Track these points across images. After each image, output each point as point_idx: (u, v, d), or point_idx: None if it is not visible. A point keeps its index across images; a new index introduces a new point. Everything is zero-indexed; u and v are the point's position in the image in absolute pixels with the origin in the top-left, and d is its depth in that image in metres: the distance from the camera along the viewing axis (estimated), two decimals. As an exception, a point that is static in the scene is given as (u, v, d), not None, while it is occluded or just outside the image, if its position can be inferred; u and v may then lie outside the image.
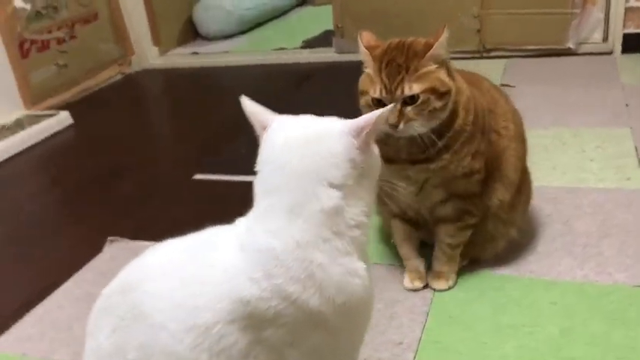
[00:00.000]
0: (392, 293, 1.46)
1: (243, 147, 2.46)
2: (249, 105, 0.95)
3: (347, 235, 0.87)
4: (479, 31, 3.16)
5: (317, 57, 3.51)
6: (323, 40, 3.70)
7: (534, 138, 2.16)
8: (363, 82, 1.30)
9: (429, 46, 1.24)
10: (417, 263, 1.48)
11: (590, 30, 3.10)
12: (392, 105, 1.19)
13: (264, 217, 0.88)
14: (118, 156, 2.63)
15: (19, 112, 3.05)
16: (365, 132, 0.87)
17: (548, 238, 1.60)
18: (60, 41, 3.32)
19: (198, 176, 2.26)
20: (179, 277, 0.89)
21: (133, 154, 2.63)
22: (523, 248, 1.56)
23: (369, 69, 1.28)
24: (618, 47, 3.00)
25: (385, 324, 1.37)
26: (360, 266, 0.88)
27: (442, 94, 1.24)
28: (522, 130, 1.51)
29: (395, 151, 1.30)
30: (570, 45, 3.06)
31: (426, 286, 1.47)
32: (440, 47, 1.23)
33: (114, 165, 2.52)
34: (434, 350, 1.27)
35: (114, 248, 1.81)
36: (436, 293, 1.44)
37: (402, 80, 1.23)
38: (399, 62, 1.24)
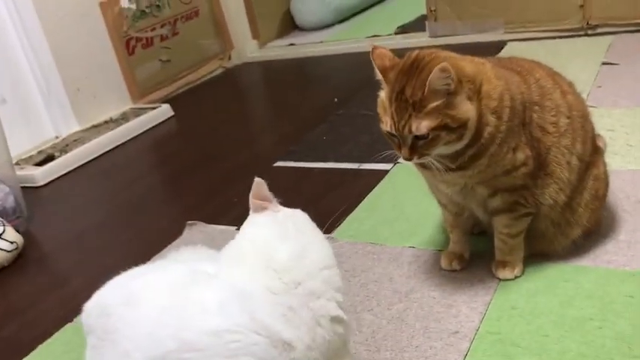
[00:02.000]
0: (453, 281, 1.41)
1: (325, 134, 2.48)
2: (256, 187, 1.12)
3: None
4: (582, 6, 2.95)
5: (411, 42, 3.43)
6: (418, 25, 3.62)
7: (633, 118, 2.01)
8: (379, 107, 1.24)
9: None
10: (459, 247, 1.44)
11: None
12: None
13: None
14: (211, 145, 2.74)
15: (126, 106, 3.26)
16: None
17: (632, 226, 1.47)
18: (163, 38, 3.50)
19: (279, 163, 2.30)
20: (152, 308, 0.95)
21: (225, 143, 2.73)
22: (602, 236, 1.44)
23: (383, 93, 1.22)
24: None
25: (442, 312, 1.32)
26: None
27: (455, 128, 1.15)
28: (580, 125, 1.34)
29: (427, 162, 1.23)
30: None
31: (464, 268, 1.44)
32: (436, 83, 1.12)
33: (206, 153, 2.64)
34: (490, 342, 1.21)
35: (193, 231, 1.89)
36: (500, 283, 1.37)
37: (410, 118, 1.15)
38: (406, 95, 1.15)
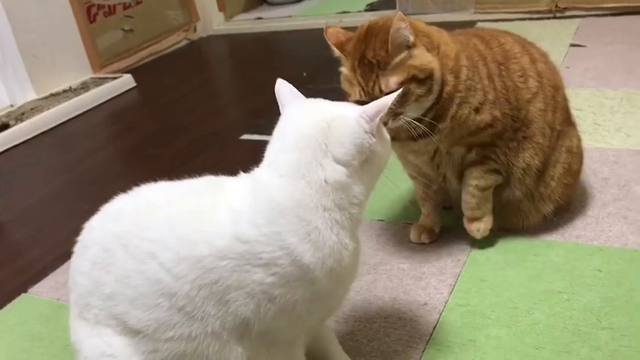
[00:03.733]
0: (422, 254, 1.39)
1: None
2: (280, 85, 1.00)
3: (347, 210, 0.91)
4: (551, -11, 2.96)
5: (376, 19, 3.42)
6: (388, 2, 3.59)
7: (600, 98, 2.02)
8: (343, 84, 1.22)
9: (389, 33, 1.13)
10: (430, 220, 1.43)
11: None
12: (399, 91, 1.06)
13: (273, 170, 0.91)
14: (175, 117, 2.67)
15: (87, 75, 3.15)
16: (378, 118, 0.90)
17: (600, 202, 1.47)
18: (126, 6, 3.39)
19: (246, 136, 2.24)
20: (179, 213, 0.90)
21: (189, 115, 2.66)
22: (571, 212, 1.44)
23: (345, 68, 1.21)
24: None
25: (411, 284, 1.30)
26: (350, 243, 0.91)
27: (424, 80, 1.15)
28: (551, 94, 1.34)
29: (394, 132, 1.20)
30: (654, 2, 2.81)
31: (434, 241, 1.43)
32: (397, 35, 1.12)
33: (169, 125, 2.57)
34: (460, 313, 1.20)
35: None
36: (470, 256, 1.36)
37: (377, 77, 1.15)
38: (369, 58, 1.15)
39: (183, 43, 3.73)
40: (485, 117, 1.24)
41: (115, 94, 2.99)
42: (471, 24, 3.07)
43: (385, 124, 1.15)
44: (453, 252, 1.39)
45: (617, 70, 2.24)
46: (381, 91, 1.16)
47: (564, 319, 1.14)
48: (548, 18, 3.00)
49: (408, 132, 1.20)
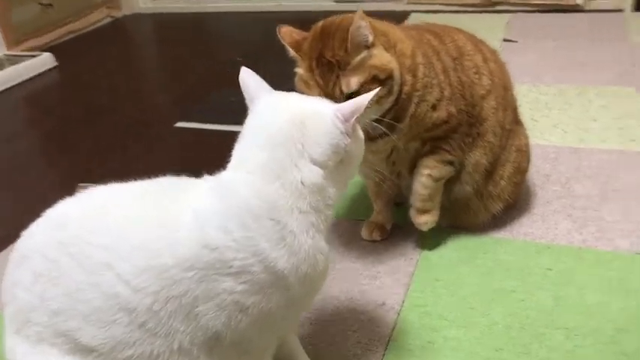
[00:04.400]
0: (376, 253, 1.37)
1: (233, 95, 2.34)
2: (245, 75, 0.93)
3: (323, 212, 0.87)
4: (483, -17, 3.01)
5: (315, 5, 3.37)
6: (323, -12, 3.54)
7: (535, 94, 2.07)
8: (299, 85, 1.18)
9: (348, 32, 1.10)
10: (382, 217, 1.41)
11: (600, -15, 2.95)
12: (377, 89, 1.02)
13: (244, 171, 0.85)
14: (101, 100, 2.52)
15: (0, 52, 2.91)
16: (353, 118, 0.86)
17: (544, 199, 1.50)
18: (44, -21, 3.16)
19: (181, 124, 2.14)
20: (136, 217, 0.82)
21: (116, 98, 2.51)
22: (518, 210, 1.46)
23: (301, 69, 1.17)
24: (629, 4, 2.85)
25: (366, 284, 1.28)
26: (325, 246, 0.88)
27: (384, 80, 1.13)
28: (502, 94, 1.34)
29: None
30: (578, 1, 2.92)
31: (385, 239, 1.41)
32: (357, 34, 1.10)
33: (95, 109, 2.42)
34: (418, 314, 1.19)
35: (86, 196, 1.71)
36: (422, 254, 1.35)
37: (338, 78, 1.11)
38: (328, 58, 1.11)
39: (107, 20, 3.54)
40: (441, 114, 1.23)
41: (33, 74, 2.79)
42: (404, 15, 3.09)
43: None
44: (405, 250, 1.37)
45: (550, 66, 2.31)
46: (341, 92, 1.12)
47: (520, 319, 1.15)
48: (480, 12, 3.06)
49: (367, 133, 1.16)
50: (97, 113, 2.36)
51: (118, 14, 3.60)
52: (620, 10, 2.88)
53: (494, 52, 1.40)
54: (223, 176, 0.87)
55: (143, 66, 3.09)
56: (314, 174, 0.85)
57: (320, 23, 1.19)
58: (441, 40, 1.32)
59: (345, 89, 1.11)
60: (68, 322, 0.80)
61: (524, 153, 1.40)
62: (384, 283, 1.28)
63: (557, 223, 1.41)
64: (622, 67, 2.24)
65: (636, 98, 1.98)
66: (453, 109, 1.25)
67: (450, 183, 1.33)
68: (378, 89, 1.01)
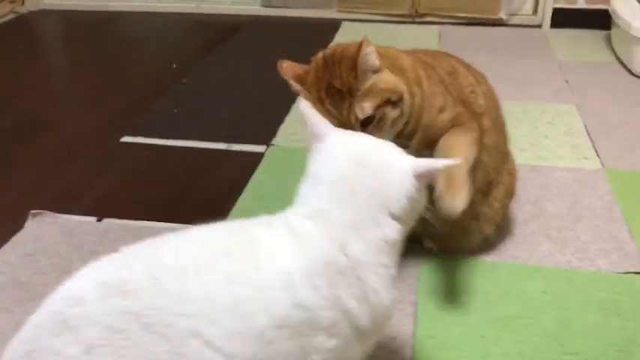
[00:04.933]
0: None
1: (174, 106, 2.22)
2: (307, 109, 0.93)
3: (395, 262, 0.88)
4: (413, -6, 3.07)
5: (241, 9, 3.28)
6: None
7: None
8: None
9: (354, 58, 1.10)
10: None
11: (521, 1, 3.10)
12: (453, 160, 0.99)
13: (326, 224, 0.82)
14: (25, 113, 2.28)
15: None
16: (428, 176, 0.88)
17: (521, 220, 1.55)
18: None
19: (127, 139, 2.00)
20: (215, 278, 0.76)
21: (43, 110, 2.30)
22: (499, 231, 1.49)
23: (309, 102, 1.12)
24: (547, 21, 3.02)
25: (373, 316, 1.25)
26: (396, 293, 0.90)
27: (396, 102, 1.13)
28: (494, 116, 1.38)
29: None
30: (502, 15, 3.05)
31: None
32: (365, 60, 1.10)
33: (21, 124, 2.18)
34: (432, 347, 1.18)
35: (39, 223, 1.55)
36: (421, 281, 1.35)
37: (351, 105, 1.10)
38: (337, 87, 1.10)
39: (11, 17, 3.23)
40: (448, 114, 1.24)
41: None
42: (334, 22, 3.08)
43: None
44: (402, 276, 1.35)
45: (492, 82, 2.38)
46: (356, 118, 1.10)
47: (531, 347, 1.17)
48: (409, 22, 3.11)
49: None
50: (25, 129, 2.13)
51: (22, 10, 3.30)
52: (538, 26, 3.05)
53: (483, 76, 1.42)
54: (299, 226, 0.82)
55: (62, 71, 2.85)
56: (394, 230, 0.85)
57: (320, 54, 1.17)
58: (434, 57, 1.34)
59: (360, 115, 1.10)
60: None
61: (513, 175, 1.44)
62: (391, 314, 1.26)
63: (539, 244, 1.46)
64: (556, 83, 2.37)
65: (577, 115, 2.09)
66: (459, 108, 1.26)
67: None
68: (452, 160, 0.97)
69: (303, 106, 0.92)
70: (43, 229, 1.52)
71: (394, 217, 0.85)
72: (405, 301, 1.29)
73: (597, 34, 2.86)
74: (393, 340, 1.19)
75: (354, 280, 0.80)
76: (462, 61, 1.41)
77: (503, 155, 1.39)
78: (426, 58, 1.31)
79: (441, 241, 1.40)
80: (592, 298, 1.29)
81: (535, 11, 3.08)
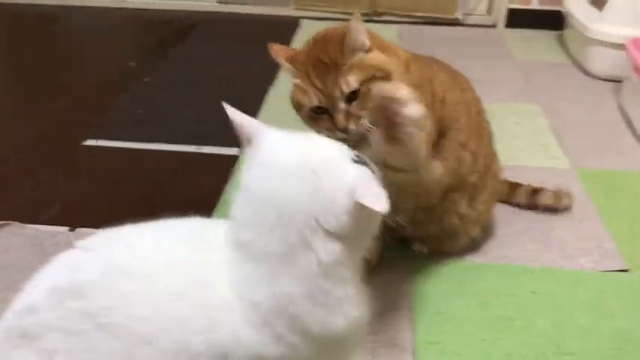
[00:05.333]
0: (369, 287, 1.32)
1: (137, 107, 2.13)
2: (235, 115, 0.81)
3: (347, 281, 0.77)
4: (371, -7, 3.07)
5: (197, 5, 3.21)
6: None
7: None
8: (294, 96, 1.13)
9: (344, 36, 1.09)
10: (371, 253, 1.34)
11: (476, 1, 3.15)
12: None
13: (252, 259, 0.74)
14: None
15: None
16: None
17: (503, 220, 1.56)
18: None
19: (90, 142, 1.90)
20: (164, 286, 0.74)
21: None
22: (483, 232, 1.50)
23: (297, 80, 1.13)
24: (502, 21, 3.08)
25: (371, 322, 1.23)
26: (356, 310, 0.79)
27: (383, 79, 1.11)
28: (476, 122, 1.37)
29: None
30: (458, 15, 3.09)
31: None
32: (355, 34, 1.08)
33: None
34: (434, 353, 1.17)
35: (6, 234, 1.45)
36: (413, 287, 1.33)
37: (336, 78, 1.08)
38: (325, 61, 1.09)
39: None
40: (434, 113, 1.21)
41: None
42: (292, 20, 3.05)
43: (346, 128, 1.09)
44: (394, 282, 1.35)
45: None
46: (341, 91, 1.08)
47: (530, 348, 1.18)
48: (368, 21, 3.11)
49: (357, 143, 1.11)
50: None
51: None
52: (493, 26, 3.11)
53: (467, 81, 1.42)
54: (227, 257, 0.76)
55: (12, 68, 2.69)
56: (331, 253, 0.73)
57: (313, 36, 1.16)
58: (430, 67, 1.31)
59: (344, 88, 1.08)
60: None
61: (497, 178, 1.45)
62: (388, 321, 1.24)
63: (524, 244, 1.48)
64: (517, 83, 2.41)
65: (541, 115, 2.14)
66: (439, 113, 1.24)
67: (443, 213, 1.33)
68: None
69: (229, 109, 0.81)
70: (11, 240, 1.43)
71: (332, 237, 0.72)
72: (400, 306, 1.28)
73: (550, 35, 2.94)
74: (393, 347, 1.18)
75: (289, 318, 0.73)
76: (448, 67, 1.41)
77: (488, 159, 1.39)
78: (426, 67, 1.29)
79: (430, 244, 1.40)
80: (579, 297, 1.32)
81: (490, 11, 3.13)
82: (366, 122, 1.08)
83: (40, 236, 1.44)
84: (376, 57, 1.11)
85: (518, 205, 1.61)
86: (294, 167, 0.74)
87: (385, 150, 1.03)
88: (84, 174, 1.74)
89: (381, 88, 1.01)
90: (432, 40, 2.89)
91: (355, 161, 0.77)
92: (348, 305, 0.77)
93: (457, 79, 1.39)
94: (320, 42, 1.12)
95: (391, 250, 1.40)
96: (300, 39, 2.41)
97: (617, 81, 2.28)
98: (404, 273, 1.37)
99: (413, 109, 0.96)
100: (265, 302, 0.73)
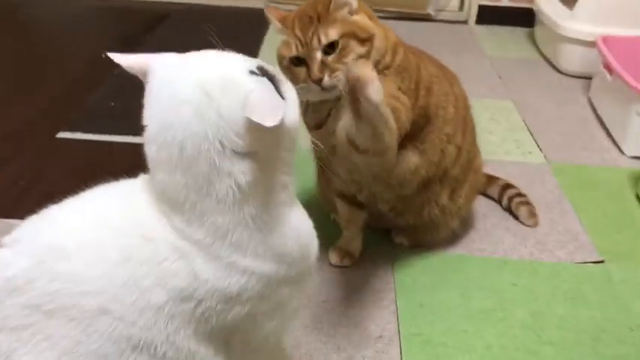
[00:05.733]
0: (350, 279, 1.34)
1: (110, 99, 2.10)
2: (122, 59, 0.77)
3: (275, 202, 0.76)
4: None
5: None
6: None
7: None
8: (279, 51, 1.16)
9: None
10: (353, 244, 1.39)
11: (448, -2, 3.19)
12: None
13: (177, 204, 0.73)
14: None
15: None
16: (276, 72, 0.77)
17: (480, 213, 1.59)
18: None
19: (64, 134, 1.86)
20: (105, 253, 0.72)
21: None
22: (462, 224, 1.52)
23: (286, 35, 1.15)
24: (473, 17, 3.12)
25: (356, 314, 1.24)
26: (301, 220, 0.82)
27: (364, 40, 1.13)
28: (462, 116, 1.39)
29: (321, 117, 1.18)
30: (430, 11, 3.12)
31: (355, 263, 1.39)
32: (339, 1, 1.11)
33: None
34: (418, 343, 1.18)
35: (-22, 230, 1.41)
36: (397, 278, 1.35)
37: (317, 29, 1.11)
38: (310, 15, 1.13)
39: None
40: (391, 101, 1.17)
41: None
42: (259, 12, 3.02)
43: (320, 80, 1.10)
44: (377, 274, 1.36)
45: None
46: (319, 41, 1.10)
47: (511, 339, 1.21)
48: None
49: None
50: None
51: None
52: (464, 22, 3.14)
53: (454, 76, 1.44)
54: (157, 208, 0.75)
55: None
56: (246, 173, 0.71)
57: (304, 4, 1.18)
58: (420, 57, 1.33)
59: (323, 39, 1.10)
60: None
61: (479, 172, 1.47)
62: (373, 312, 1.25)
63: (502, 237, 1.51)
64: (490, 79, 2.45)
65: (514, 111, 2.18)
66: (423, 101, 1.24)
67: (423, 204, 1.34)
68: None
69: (115, 56, 0.77)
70: (-15, 235, 1.39)
71: (242, 157, 0.70)
72: (384, 299, 1.29)
73: (520, 31, 2.98)
74: (379, 339, 1.19)
75: (231, 246, 0.73)
76: (438, 62, 1.42)
77: (470, 155, 1.41)
78: (414, 56, 1.29)
79: (411, 235, 1.41)
80: (558, 289, 1.35)
81: (461, 7, 3.17)
82: (342, 78, 1.07)
83: (9, 231, 1.40)
84: (361, 19, 1.14)
85: (491, 198, 1.65)
86: (186, 94, 0.70)
87: (350, 126, 1.04)
88: (58, 167, 1.71)
89: (349, 66, 1.03)
90: (404, 36, 2.90)
91: (253, 73, 0.74)
92: (283, 226, 0.77)
93: (446, 73, 1.40)
94: (311, 2, 1.15)
95: (373, 244, 1.41)
96: (272, 32, 2.40)
97: (587, 78, 2.34)
98: (387, 266, 1.39)
99: (373, 90, 0.95)
100: (206, 238, 0.72)
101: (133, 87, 2.29)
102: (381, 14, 3.10)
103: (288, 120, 0.73)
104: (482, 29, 3.06)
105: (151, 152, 0.74)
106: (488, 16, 3.09)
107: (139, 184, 0.78)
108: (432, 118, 1.28)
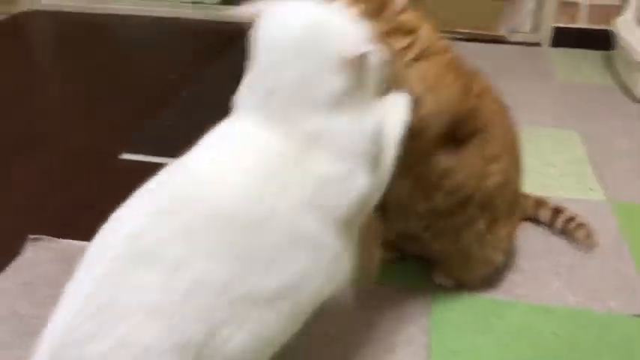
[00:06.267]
0: (383, 319, 1.32)
1: (176, 121, 2.18)
2: (239, 11, 0.97)
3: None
4: (413, 8, 3.05)
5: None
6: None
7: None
8: None
9: None
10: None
11: (521, 18, 3.10)
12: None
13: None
14: (18, 124, 2.21)
15: None
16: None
17: (528, 253, 1.53)
18: None
19: (127, 156, 1.95)
20: (263, 177, 0.91)
21: (38, 122, 2.23)
22: (506, 265, 1.47)
23: None
24: (547, 40, 3.02)
25: (386, 358, 1.23)
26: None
27: (407, 32, 1.19)
28: (515, 147, 1.36)
29: None
30: (504, 32, 3.04)
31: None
32: None
33: (13, 138, 2.11)
34: (447, 394, 1.16)
35: (38, 249, 1.50)
36: (432, 320, 1.32)
37: None
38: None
39: (2, 17, 3.15)
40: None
41: None
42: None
43: None
44: (414, 316, 1.34)
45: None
46: None
47: (547, 394, 1.16)
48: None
49: None
50: (18, 144, 2.07)
51: (15, 10, 3.22)
52: (538, 44, 3.04)
53: (507, 108, 1.40)
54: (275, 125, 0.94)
55: (57, 78, 2.77)
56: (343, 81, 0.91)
57: None
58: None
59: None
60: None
61: (522, 214, 1.43)
62: (403, 358, 1.23)
63: (549, 282, 1.45)
64: (557, 107, 2.36)
65: (579, 143, 2.08)
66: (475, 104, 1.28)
67: (460, 227, 1.30)
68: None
69: (233, 10, 0.97)
70: (42, 255, 1.48)
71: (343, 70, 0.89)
72: (416, 343, 1.27)
73: (597, 55, 2.85)
74: (406, 386, 1.17)
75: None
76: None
77: (517, 193, 1.37)
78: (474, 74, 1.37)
79: (451, 272, 1.39)
80: (604, 341, 1.28)
81: (535, 29, 3.07)
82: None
83: (70, 251, 1.48)
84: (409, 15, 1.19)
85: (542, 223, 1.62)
86: (300, 20, 0.93)
87: None
88: (119, 189, 1.77)
89: None
90: (474, 58, 2.84)
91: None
92: (368, 121, 0.95)
93: (503, 106, 1.38)
94: None
95: (411, 281, 1.39)
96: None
97: (665, 110, 2.21)
98: (424, 308, 1.36)
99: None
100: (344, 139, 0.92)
101: (199, 109, 2.40)
102: (453, 35, 3.06)
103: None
104: (557, 52, 2.95)
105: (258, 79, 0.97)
106: (564, 38, 2.98)
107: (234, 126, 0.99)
108: (476, 129, 1.26)
